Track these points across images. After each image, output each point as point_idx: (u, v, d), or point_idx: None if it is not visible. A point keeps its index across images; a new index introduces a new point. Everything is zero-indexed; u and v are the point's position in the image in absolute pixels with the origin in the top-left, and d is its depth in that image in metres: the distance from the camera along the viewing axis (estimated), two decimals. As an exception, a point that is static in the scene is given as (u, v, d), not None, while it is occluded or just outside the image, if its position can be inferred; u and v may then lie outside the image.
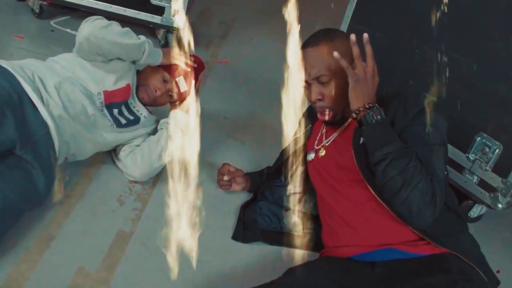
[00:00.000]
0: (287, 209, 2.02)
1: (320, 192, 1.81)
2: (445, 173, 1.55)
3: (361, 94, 1.50)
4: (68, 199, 1.89)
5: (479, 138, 2.08)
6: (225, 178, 2.11)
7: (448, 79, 2.21)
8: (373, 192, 1.54)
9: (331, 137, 1.78)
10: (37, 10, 3.07)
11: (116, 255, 1.73)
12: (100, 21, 1.88)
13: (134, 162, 2.04)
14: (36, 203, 1.74)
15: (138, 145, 2.11)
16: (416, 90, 1.65)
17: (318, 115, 1.71)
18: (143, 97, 2.08)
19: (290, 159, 1.99)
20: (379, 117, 1.49)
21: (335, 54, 1.49)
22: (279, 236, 1.98)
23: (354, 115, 1.52)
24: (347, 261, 1.60)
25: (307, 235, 1.96)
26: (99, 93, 1.94)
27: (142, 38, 1.97)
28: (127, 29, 1.94)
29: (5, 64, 1.79)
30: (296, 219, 2.00)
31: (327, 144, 1.79)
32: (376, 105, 1.51)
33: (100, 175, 2.05)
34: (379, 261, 1.53)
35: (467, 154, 2.12)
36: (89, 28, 1.85)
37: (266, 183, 2.09)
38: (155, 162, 2.04)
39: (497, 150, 2.03)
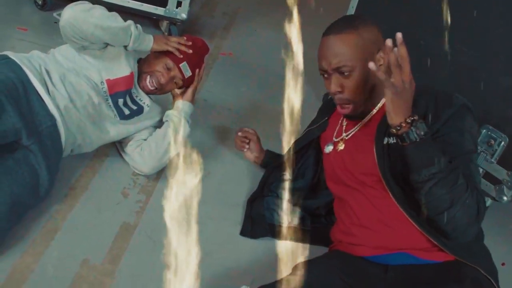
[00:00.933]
0: (295, 203, 1.98)
1: (336, 188, 1.74)
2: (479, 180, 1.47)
3: (402, 107, 1.33)
4: (73, 191, 1.89)
5: (484, 130, 2.07)
6: (240, 133, 2.11)
7: (453, 72, 2.20)
8: (393, 199, 1.48)
9: (351, 130, 1.68)
10: (40, 2, 3.06)
11: (120, 247, 1.73)
12: (82, 5, 1.85)
13: (142, 158, 2.04)
14: (42, 197, 1.75)
15: (144, 139, 2.09)
16: (444, 89, 1.53)
17: (338, 108, 1.61)
18: (145, 86, 2.05)
19: (301, 152, 1.95)
20: (422, 133, 1.33)
21: (371, 65, 1.28)
22: (287, 230, 1.95)
23: (394, 130, 1.35)
24: (360, 260, 1.54)
25: (315, 229, 1.93)
26: (102, 82, 1.93)
27: (129, 22, 1.92)
28: (113, 13, 1.90)
29: (12, 55, 1.79)
30: (303, 214, 1.97)
31: (346, 138, 1.69)
32: (418, 118, 1.33)
33: (104, 167, 2.05)
34: (392, 265, 1.49)
35: (472, 146, 2.12)
36: (70, 11, 1.81)
37: (272, 176, 2.04)
38: (163, 156, 2.03)
39: (503, 142, 2.02)
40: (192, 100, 2.14)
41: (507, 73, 2.01)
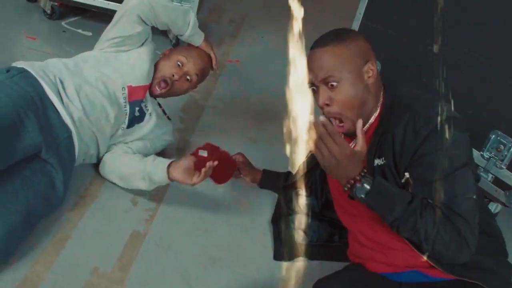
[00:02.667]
0: (320, 219, 1.95)
1: (338, 210, 1.72)
2: (475, 194, 1.40)
3: (340, 175, 1.38)
4: (82, 199, 1.90)
5: (493, 136, 2.06)
6: None
7: (462, 76, 2.19)
8: None
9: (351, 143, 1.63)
10: (48, 11, 3.08)
11: (130, 255, 1.74)
12: None
13: (104, 163, 2.00)
14: (55, 206, 1.76)
15: (132, 150, 2.06)
16: (430, 101, 1.48)
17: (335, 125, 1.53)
18: (158, 87, 2.03)
19: (309, 173, 1.93)
20: (368, 187, 1.36)
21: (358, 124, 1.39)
22: (319, 249, 1.91)
23: (345, 189, 1.40)
24: (376, 275, 1.53)
25: (346, 244, 1.78)
26: (123, 87, 1.95)
27: (188, 8, 2.04)
28: None
29: (27, 66, 1.79)
30: (330, 229, 1.93)
31: None
32: (361, 175, 1.37)
33: (114, 175, 2.06)
34: (406, 282, 1.48)
35: (481, 152, 2.11)
36: None
37: (289, 193, 2.00)
38: (123, 179, 1.97)
39: (512, 148, 2.01)
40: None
41: (516, 78, 2.00)
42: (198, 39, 2.08)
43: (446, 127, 1.39)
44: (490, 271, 1.45)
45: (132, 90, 1.97)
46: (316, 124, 1.33)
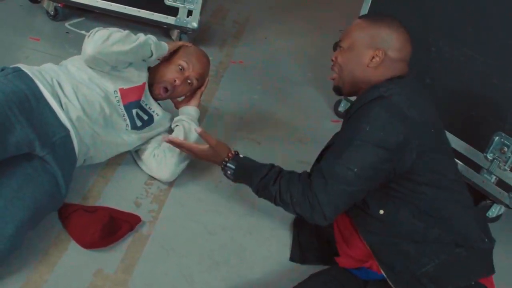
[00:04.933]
0: None
1: None
2: (357, 169, 1.44)
3: (214, 162, 1.83)
4: (85, 201, 1.90)
5: (497, 137, 2.06)
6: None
7: (465, 78, 2.19)
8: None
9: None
10: (51, 12, 3.08)
11: (133, 256, 1.74)
12: (99, 34, 1.87)
13: (159, 165, 2.04)
14: (60, 203, 1.77)
15: (157, 146, 2.10)
16: (393, 85, 1.55)
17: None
18: (160, 93, 2.08)
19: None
20: (233, 166, 1.74)
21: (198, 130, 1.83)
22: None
23: (222, 172, 1.81)
24: (346, 274, 1.65)
25: None
26: (115, 91, 1.96)
27: (141, 35, 1.98)
28: (127, 32, 1.94)
29: (24, 68, 1.80)
30: None
31: None
32: (225, 160, 1.76)
33: (116, 177, 2.06)
34: (372, 280, 1.57)
35: (485, 154, 2.10)
36: (92, 46, 1.85)
37: None
38: (179, 161, 2.04)
39: (516, 149, 2.00)
40: (199, 105, 2.19)
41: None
42: (164, 50, 2.07)
43: (374, 103, 1.47)
44: (405, 258, 1.48)
45: (124, 93, 1.98)
46: (171, 142, 1.90)
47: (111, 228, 1.74)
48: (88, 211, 1.79)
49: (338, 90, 1.74)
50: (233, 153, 1.78)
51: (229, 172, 1.75)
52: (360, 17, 1.71)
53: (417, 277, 1.45)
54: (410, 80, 1.62)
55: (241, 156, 1.79)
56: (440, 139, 1.58)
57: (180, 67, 2.07)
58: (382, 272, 1.49)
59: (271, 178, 1.61)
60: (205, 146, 1.80)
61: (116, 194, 1.97)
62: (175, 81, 2.07)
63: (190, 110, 2.17)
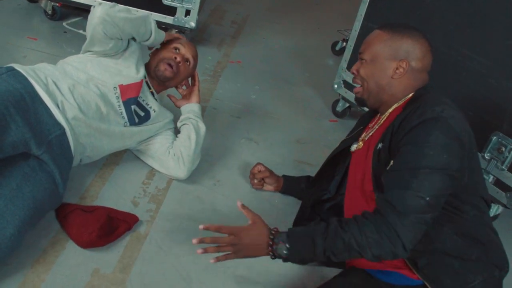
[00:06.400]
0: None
1: (349, 190, 1.76)
2: (429, 197, 1.38)
3: (253, 253, 1.50)
4: (83, 200, 1.89)
5: (495, 137, 2.06)
6: (255, 181, 2.17)
7: (463, 78, 2.19)
8: None
9: (369, 131, 1.73)
10: (49, 12, 3.08)
11: (131, 256, 1.73)
12: (107, 3, 1.94)
13: (177, 163, 2.09)
14: (57, 203, 1.77)
15: (170, 145, 2.14)
16: (442, 101, 1.49)
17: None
18: (166, 68, 2.12)
19: (334, 163, 1.94)
20: (283, 240, 1.45)
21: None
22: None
23: (271, 257, 1.49)
24: (368, 278, 1.58)
25: None
26: (115, 87, 1.97)
27: (144, 12, 2.03)
28: (127, 7, 2.03)
29: (18, 67, 1.80)
30: None
31: (366, 138, 1.73)
32: (270, 237, 1.46)
33: (114, 176, 2.06)
34: (397, 285, 1.53)
35: (482, 153, 2.11)
36: (101, 8, 1.91)
37: (312, 195, 1.99)
38: (194, 158, 2.11)
39: (513, 149, 2.01)
40: (198, 101, 2.26)
41: (517, 80, 2.00)
42: (161, 37, 2.14)
43: (431, 125, 1.41)
44: (452, 273, 1.46)
45: (124, 89, 2.00)
46: (207, 228, 1.52)
47: (109, 227, 1.74)
48: (85, 210, 1.79)
49: (361, 102, 1.71)
50: (275, 228, 1.52)
51: (280, 246, 1.45)
52: (379, 28, 1.67)
53: None
54: (444, 95, 1.59)
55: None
56: (478, 160, 1.59)
57: (175, 49, 2.17)
58: (427, 284, 1.46)
59: (336, 230, 1.41)
60: (244, 226, 1.53)
61: (113, 194, 1.97)
62: (175, 58, 2.14)
63: (193, 107, 2.23)
